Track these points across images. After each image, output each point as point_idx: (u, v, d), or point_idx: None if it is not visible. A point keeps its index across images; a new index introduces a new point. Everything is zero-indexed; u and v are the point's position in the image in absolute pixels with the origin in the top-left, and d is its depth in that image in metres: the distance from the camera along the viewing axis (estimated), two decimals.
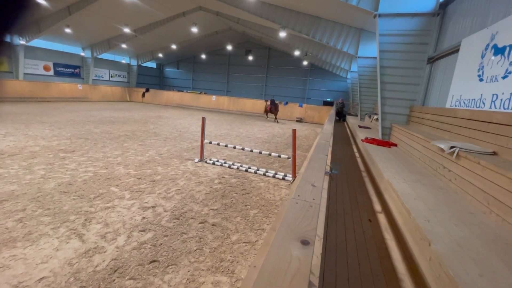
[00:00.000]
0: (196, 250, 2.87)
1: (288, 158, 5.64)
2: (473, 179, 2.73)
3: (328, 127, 5.00)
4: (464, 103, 5.05)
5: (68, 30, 16.70)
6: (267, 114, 17.77)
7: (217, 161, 6.33)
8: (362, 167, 5.38)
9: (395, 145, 5.93)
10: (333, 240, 2.52)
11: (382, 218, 3.08)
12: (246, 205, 4.12)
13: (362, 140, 6.42)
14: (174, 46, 22.98)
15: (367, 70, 12.01)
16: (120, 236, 3.02)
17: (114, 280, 2.33)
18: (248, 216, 3.75)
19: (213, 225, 3.43)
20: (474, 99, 4.71)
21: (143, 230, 3.17)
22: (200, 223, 3.46)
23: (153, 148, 7.23)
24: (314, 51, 17.48)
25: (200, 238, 3.10)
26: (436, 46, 7.43)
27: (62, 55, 21.02)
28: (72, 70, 21.88)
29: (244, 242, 3.08)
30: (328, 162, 3.02)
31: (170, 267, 2.56)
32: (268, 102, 17.51)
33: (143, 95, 24.29)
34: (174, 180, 4.95)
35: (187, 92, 25.63)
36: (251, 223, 3.57)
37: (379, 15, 6.23)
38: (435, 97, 7.22)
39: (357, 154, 6.60)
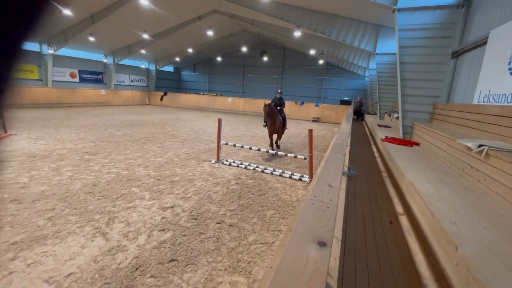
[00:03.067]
0: (213, 250, 2.90)
1: (305, 158, 5.57)
2: (504, 179, 2.55)
3: (346, 126, 4.88)
4: (494, 98, 4.75)
5: (91, 39, 17.57)
6: (272, 141, 7.79)
7: (233, 162, 6.38)
8: (382, 167, 5.20)
9: (418, 144, 5.68)
10: (352, 242, 2.46)
11: (404, 220, 2.96)
12: (262, 206, 4.12)
13: (381, 139, 6.21)
14: (190, 50, 23.47)
15: (386, 67, 11.63)
16: (141, 235, 3.13)
17: (136, 277, 2.42)
18: (265, 217, 3.75)
19: (230, 225, 3.46)
20: (505, 94, 4.42)
21: (163, 230, 3.26)
22: (217, 223, 3.50)
23: (172, 150, 7.42)
24: (330, 49, 17.16)
25: (218, 238, 3.13)
26: (461, 39, 7.04)
27: (87, 62, 22.13)
28: (96, 76, 22.96)
29: (261, 243, 3.08)
30: (346, 162, 2.95)
31: (189, 266, 2.61)
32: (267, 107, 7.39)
33: (162, 98, 25.03)
34: (191, 181, 5.05)
35: (203, 94, 26.09)
36: (268, 224, 3.56)
37: (398, 10, 6.01)
38: (461, 93, 6.84)
39: (376, 154, 6.39)
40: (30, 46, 17.48)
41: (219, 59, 29.96)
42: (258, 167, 6.07)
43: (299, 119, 19.20)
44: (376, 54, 11.41)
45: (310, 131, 5.32)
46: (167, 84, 31.83)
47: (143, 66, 27.61)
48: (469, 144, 3.23)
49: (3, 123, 7.85)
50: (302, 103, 19.94)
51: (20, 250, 2.70)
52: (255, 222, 3.58)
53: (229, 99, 22.50)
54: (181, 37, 21.11)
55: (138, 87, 27.27)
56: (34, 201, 3.82)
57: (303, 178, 5.46)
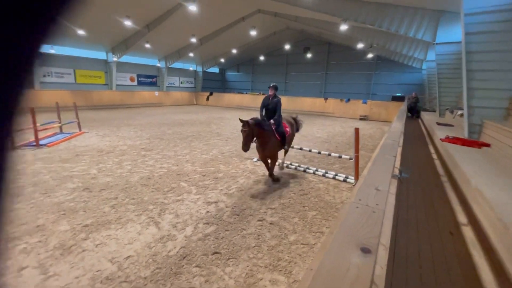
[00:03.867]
0: (254, 246, 2.96)
1: (350, 159, 5.29)
2: None
3: (398, 124, 4.49)
4: None
5: (147, 45, 19.38)
6: (268, 165, 5.00)
7: None
8: (441, 171, 4.65)
9: (488, 145, 4.93)
10: (403, 252, 2.25)
11: (467, 232, 2.60)
12: (304, 206, 4.04)
13: (441, 139, 5.55)
14: (234, 51, 24.18)
15: (448, 58, 10.30)
16: (188, 226, 3.35)
17: (183, 265, 2.60)
18: (306, 218, 3.68)
19: (271, 223, 3.48)
20: None
21: (207, 223, 3.44)
22: (258, 220, 3.55)
23: (216, 148, 7.76)
24: (381, 41, 15.92)
25: (258, 235, 3.18)
26: None
27: (143, 67, 24.50)
28: (151, 80, 25.28)
29: (302, 244, 3.03)
30: (397, 164, 2.71)
31: (231, 260, 2.71)
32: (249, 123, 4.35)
33: (208, 98, 26.35)
34: (234, 178, 5.22)
35: (246, 94, 26.64)
36: (310, 225, 3.49)
37: None
38: None
39: (434, 156, 5.73)
40: (98, 55, 20.14)
41: (262, 58, 30.22)
42: (300, 166, 5.97)
43: (345, 117, 18.27)
44: (436, 44, 10.18)
45: (356, 129, 5.02)
46: (213, 84, 33.34)
47: (191, 69, 29.41)
48: None
49: (78, 122, 9.20)
50: (348, 100, 18.93)
51: (90, 232, 3.14)
52: (296, 222, 3.54)
53: None
54: (225, 39, 21.89)
55: (187, 88, 29.16)
56: (101, 190, 4.40)
57: (348, 180, 5.19)
